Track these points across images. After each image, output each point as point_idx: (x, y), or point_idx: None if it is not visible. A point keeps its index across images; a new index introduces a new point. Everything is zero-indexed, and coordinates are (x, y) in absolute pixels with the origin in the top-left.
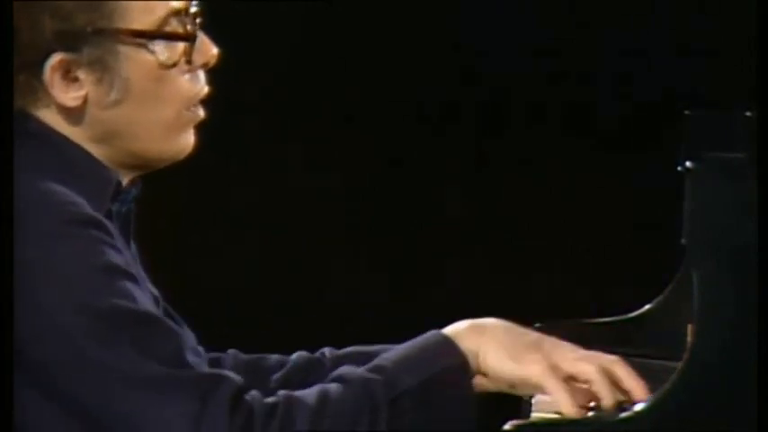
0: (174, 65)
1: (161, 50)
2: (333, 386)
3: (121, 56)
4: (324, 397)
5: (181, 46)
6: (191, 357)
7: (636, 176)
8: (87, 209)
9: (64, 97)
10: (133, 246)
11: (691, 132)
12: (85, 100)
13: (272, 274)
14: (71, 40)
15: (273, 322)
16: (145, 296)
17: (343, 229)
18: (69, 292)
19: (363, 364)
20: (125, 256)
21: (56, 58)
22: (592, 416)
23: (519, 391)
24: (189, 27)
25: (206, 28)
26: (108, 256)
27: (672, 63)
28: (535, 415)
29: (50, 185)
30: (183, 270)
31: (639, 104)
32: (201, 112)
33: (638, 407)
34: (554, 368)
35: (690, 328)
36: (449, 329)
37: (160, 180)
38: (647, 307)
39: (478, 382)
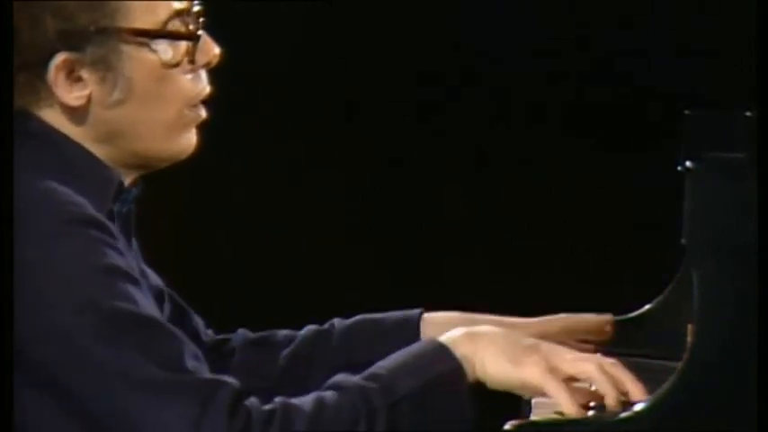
0: (177, 64)
1: (164, 50)
2: (329, 393)
3: (124, 55)
4: (320, 403)
5: (184, 45)
6: (191, 362)
7: (636, 176)
8: (89, 209)
9: (68, 97)
10: (135, 243)
11: (691, 132)
12: (89, 99)
13: (272, 274)
14: (74, 40)
15: (273, 322)
16: (147, 299)
17: (343, 229)
18: (70, 292)
19: (370, 332)
20: (126, 257)
21: (60, 57)
22: (592, 416)
23: (519, 393)
24: (192, 27)
25: (206, 28)
26: (109, 258)
27: (672, 63)
28: (535, 415)
29: (51, 185)
30: (183, 270)
31: (639, 105)
32: (203, 112)
33: (638, 407)
34: (553, 369)
35: (690, 328)
36: (444, 337)
37: (159, 180)
38: (647, 307)
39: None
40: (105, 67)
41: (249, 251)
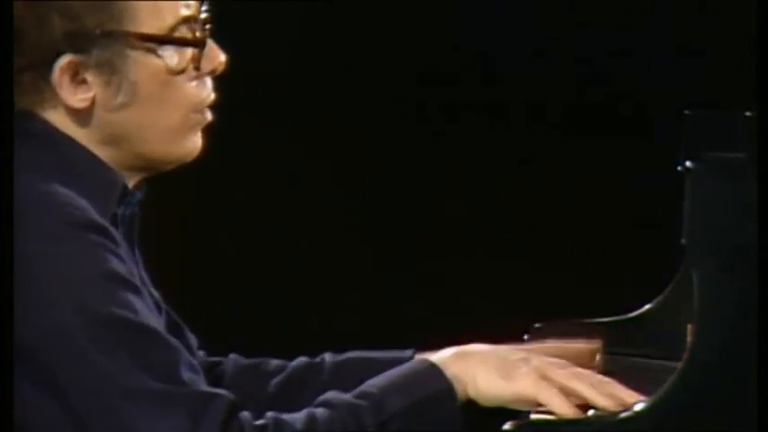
0: (183, 71)
1: (170, 56)
2: (320, 410)
3: (130, 59)
4: (311, 419)
5: (189, 52)
6: (186, 373)
7: (636, 176)
8: (91, 213)
9: (72, 99)
10: (137, 250)
11: (691, 132)
12: (93, 102)
13: (272, 274)
14: (80, 42)
15: (273, 322)
16: (146, 307)
17: (343, 229)
18: (69, 292)
19: (362, 369)
20: (128, 264)
21: (65, 59)
22: (592, 415)
23: (514, 408)
24: (198, 33)
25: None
26: (109, 263)
27: (672, 63)
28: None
29: (52, 186)
30: (183, 270)
31: (639, 104)
32: (209, 116)
33: (638, 407)
34: (545, 378)
35: (690, 328)
36: (434, 357)
37: (159, 180)
38: (647, 307)
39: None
40: (110, 70)
41: (249, 251)
